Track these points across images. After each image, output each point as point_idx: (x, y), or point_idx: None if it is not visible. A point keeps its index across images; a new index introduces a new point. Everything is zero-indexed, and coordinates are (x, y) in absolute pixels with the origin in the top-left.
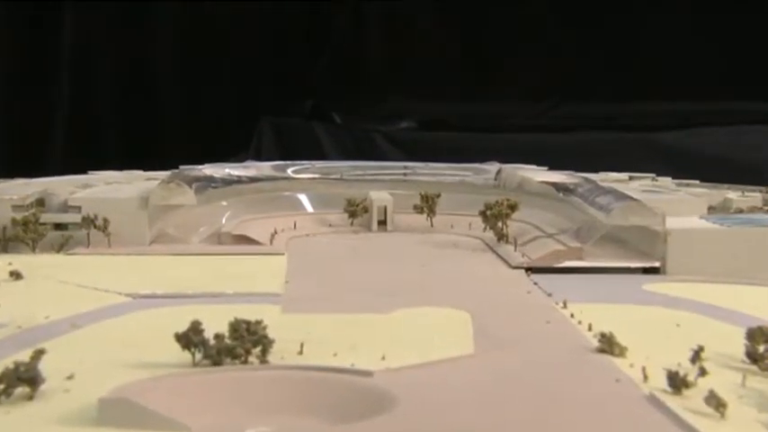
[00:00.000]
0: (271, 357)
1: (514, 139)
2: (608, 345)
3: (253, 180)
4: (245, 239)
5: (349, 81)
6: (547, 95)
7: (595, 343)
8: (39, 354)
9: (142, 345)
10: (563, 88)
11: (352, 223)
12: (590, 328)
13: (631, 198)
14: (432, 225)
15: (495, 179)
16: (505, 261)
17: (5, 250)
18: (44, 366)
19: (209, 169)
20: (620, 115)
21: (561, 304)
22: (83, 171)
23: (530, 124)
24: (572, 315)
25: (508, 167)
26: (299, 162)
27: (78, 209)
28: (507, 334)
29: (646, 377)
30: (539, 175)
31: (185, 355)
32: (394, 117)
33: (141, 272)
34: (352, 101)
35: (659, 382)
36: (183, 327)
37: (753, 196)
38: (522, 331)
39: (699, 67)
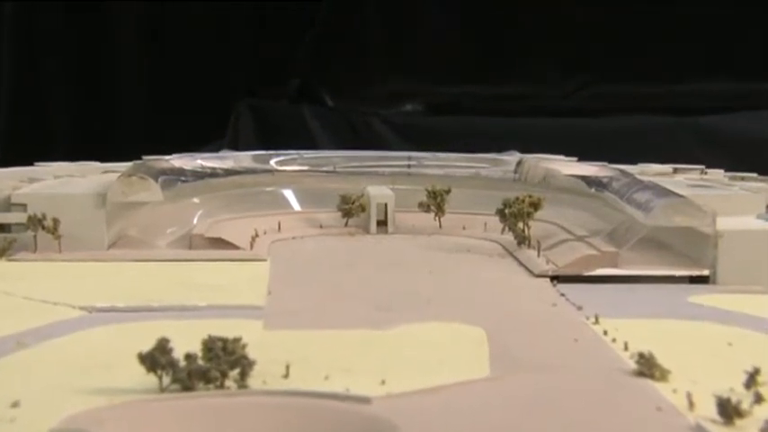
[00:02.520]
0: (251, 381)
1: (538, 125)
2: (647, 367)
3: (229, 173)
4: (220, 243)
5: (343, 55)
6: (576, 73)
7: (633, 365)
8: None
9: (100, 366)
10: (595, 64)
11: (346, 224)
12: (626, 348)
13: (676, 194)
14: (440, 226)
15: (516, 172)
16: (527, 268)
17: None
18: None
19: (177, 160)
20: (663, 96)
21: (593, 319)
22: (28, 162)
23: (556, 107)
24: (605, 332)
25: (530, 158)
26: (283, 152)
27: (23, 207)
28: (529, 354)
29: (692, 404)
30: (566, 167)
31: (150, 379)
32: (396, 99)
33: (98, 281)
34: (346, 79)
35: (708, 410)
36: (147, 345)
37: None
38: (547, 351)
39: (755, 41)
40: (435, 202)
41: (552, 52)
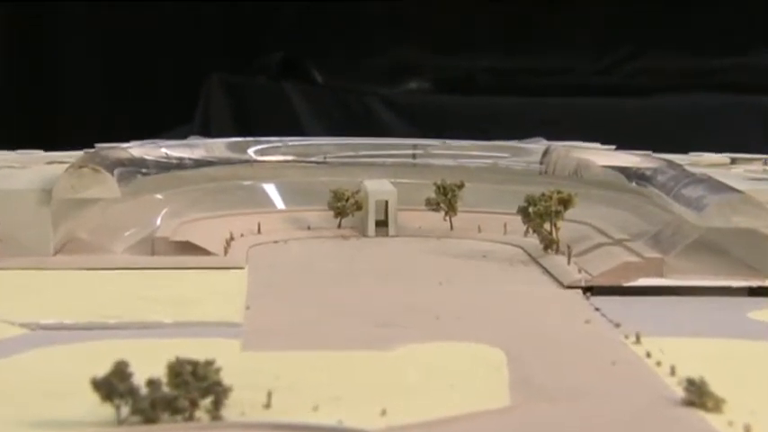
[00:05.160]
0: (226, 412)
1: (569, 106)
2: (698, 395)
3: (199, 164)
4: (188, 247)
5: (335, 24)
6: (617, 42)
7: (681, 392)
8: None
9: (45, 395)
10: (640, 32)
11: (339, 225)
12: (673, 372)
13: (734, 190)
14: (451, 227)
15: (542, 163)
16: (555, 278)
17: None
18: None
19: (137, 149)
20: (721, 70)
21: (633, 338)
22: None
23: (591, 84)
24: (648, 354)
25: (560, 146)
26: (264, 138)
27: None
28: (556, 380)
29: None
30: (603, 157)
31: (106, 410)
32: (399, 74)
33: (43, 293)
34: (339, 52)
35: None
36: (102, 369)
37: None
38: (578, 376)
39: None
40: (445, 198)
41: (588, 17)
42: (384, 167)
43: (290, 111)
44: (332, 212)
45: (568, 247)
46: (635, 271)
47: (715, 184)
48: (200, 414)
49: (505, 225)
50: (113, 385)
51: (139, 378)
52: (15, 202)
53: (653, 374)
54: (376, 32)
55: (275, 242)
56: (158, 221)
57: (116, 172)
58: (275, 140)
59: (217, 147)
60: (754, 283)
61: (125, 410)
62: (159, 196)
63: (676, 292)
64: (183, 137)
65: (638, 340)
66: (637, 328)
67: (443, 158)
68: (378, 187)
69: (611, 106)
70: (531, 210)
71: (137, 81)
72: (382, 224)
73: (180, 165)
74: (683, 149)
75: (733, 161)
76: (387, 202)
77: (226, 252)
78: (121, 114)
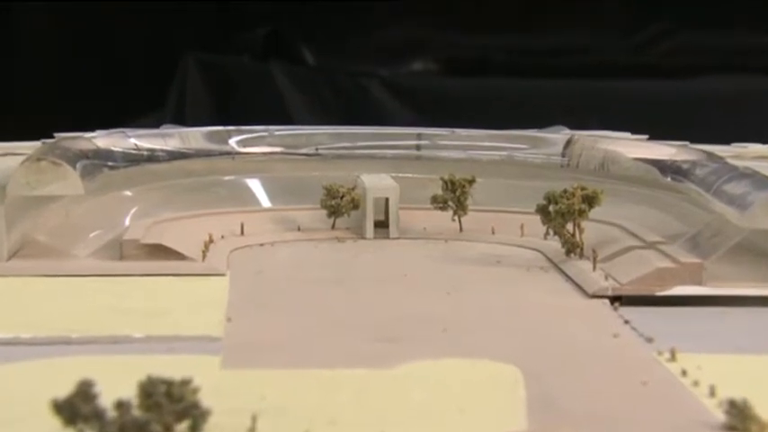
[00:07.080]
0: None
1: (596, 90)
2: (740, 419)
3: (174, 156)
4: (161, 251)
5: None
6: (651, 18)
7: (721, 416)
8: None
9: (0, 418)
10: (677, 6)
11: (333, 225)
12: (713, 393)
13: None
14: (461, 229)
15: (564, 155)
16: (579, 286)
17: None
18: None
19: (103, 139)
20: (767, 50)
21: (667, 355)
22: None
23: (622, 65)
24: (684, 372)
25: (584, 136)
26: (247, 127)
27: None
28: (580, 402)
29: None
30: (633, 148)
31: None
32: (402, 53)
33: None
34: (332, 28)
35: None
36: (64, 390)
37: None
38: (604, 398)
39: None
40: (454, 195)
41: None
42: (384, 160)
43: (276, 95)
44: (325, 211)
45: (594, 250)
46: (670, 278)
47: (761, 180)
48: None
49: (522, 226)
50: (77, 407)
51: (106, 400)
52: None
53: (689, 395)
54: (375, 5)
55: (260, 245)
56: (127, 222)
57: (79, 165)
58: (260, 129)
59: (193, 137)
60: None
61: None
62: (128, 193)
63: (717, 301)
64: (156, 125)
65: (672, 357)
66: (671, 343)
67: (452, 150)
68: (377, 183)
69: (644, 90)
70: (551, 208)
71: (102, 61)
72: (382, 225)
73: (151, 157)
74: (726, 140)
75: None
76: (387, 199)
77: (204, 257)
78: (85, 100)
